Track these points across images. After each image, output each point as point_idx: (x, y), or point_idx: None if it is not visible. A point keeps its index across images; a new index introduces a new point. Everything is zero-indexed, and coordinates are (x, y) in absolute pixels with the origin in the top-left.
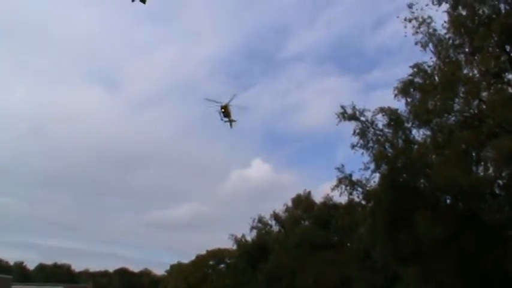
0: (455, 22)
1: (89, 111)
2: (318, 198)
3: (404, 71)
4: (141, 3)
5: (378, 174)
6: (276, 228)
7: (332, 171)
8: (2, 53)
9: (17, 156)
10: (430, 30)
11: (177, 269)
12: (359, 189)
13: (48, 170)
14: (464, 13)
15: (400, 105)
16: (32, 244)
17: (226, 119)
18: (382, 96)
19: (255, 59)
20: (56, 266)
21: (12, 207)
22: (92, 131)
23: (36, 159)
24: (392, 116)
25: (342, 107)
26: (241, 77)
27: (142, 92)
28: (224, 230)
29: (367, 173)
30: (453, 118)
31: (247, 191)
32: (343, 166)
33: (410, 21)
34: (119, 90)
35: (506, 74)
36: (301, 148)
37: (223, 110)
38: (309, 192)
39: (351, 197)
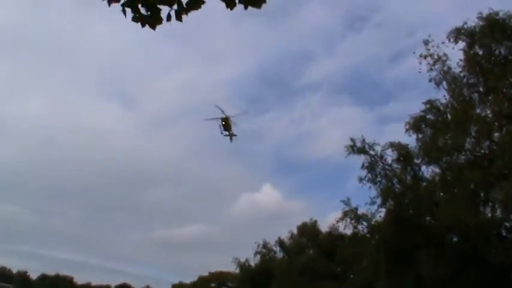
0: (471, 61)
1: (104, 126)
2: (323, 227)
3: (419, 106)
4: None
5: (383, 209)
6: (280, 254)
7: (339, 201)
8: (23, 65)
9: (31, 166)
10: (445, 68)
11: None
12: (364, 223)
13: (60, 181)
14: (480, 52)
15: (411, 140)
16: (37, 254)
17: (227, 133)
18: (396, 129)
19: (271, 84)
20: (58, 277)
21: (21, 216)
22: (107, 146)
23: (49, 170)
24: (402, 152)
25: (352, 139)
26: (256, 101)
27: (158, 111)
28: (228, 252)
29: (374, 207)
30: (463, 157)
31: (254, 215)
32: (349, 199)
33: (425, 57)
34: (136, 107)
35: None
36: (311, 176)
37: (223, 122)
38: (315, 221)
39: (355, 230)
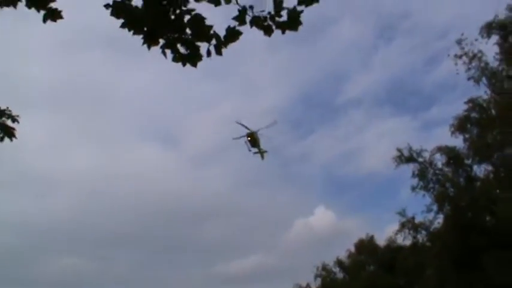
0: (507, 53)
1: (150, 167)
2: (381, 241)
3: (461, 107)
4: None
5: (441, 215)
6: (340, 275)
7: (394, 213)
8: (65, 118)
9: (82, 217)
10: (482, 64)
11: None
12: (423, 231)
13: (115, 228)
14: None
15: (457, 142)
16: None
17: (256, 150)
18: (442, 133)
19: (313, 105)
20: None
21: (82, 266)
22: (155, 188)
23: (101, 219)
24: (451, 154)
25: (399, 150)
26: (300, 125)
27: (202, 146)
28: (288, 279)
29: (431, 215)
30: None
31: (310, 238)
32: (404, 210)
33: (460, 57)
34: (179, 146)
35: None
36: (362, 192)
37: (249, 138)
38: (372, 236)
39: (414, 239)
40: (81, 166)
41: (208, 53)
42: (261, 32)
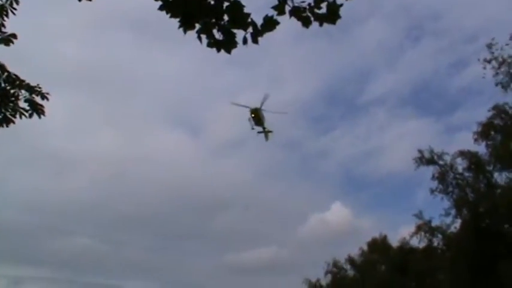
0: None
1: (170, 154)
2: (394, 242)
3: (486, 113)
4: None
5: (459, 220)
6: (351, 272)
7: (410, 214)
8: (91, 100)
9: (100, 199)
10: (511, 70)
11: None
12: (439, 235)
13: (129, 211)
14: None
15: (480, 148)
16: (111, 285)
17: (260, 129)
18: (465, 138)
19: (335, 102)
20: None
21: (93, 248)
22: (173, 174)
23: (118, 202)
24: (473, 159)
25: (420, 151)
26: (321, 121)
27: (223, 136)
28: (299, 273)
29: (448, 219)
30: None
31: (324, 234)
32: (421, 213)
33: (490, 61)
34: (201, 134)
35: None
36: (380, 191)
37: (253, 115)
38: (385, 236)
39: (430, 243)
40: (102, 148)
41: (245, 41)
42: (292, 22)
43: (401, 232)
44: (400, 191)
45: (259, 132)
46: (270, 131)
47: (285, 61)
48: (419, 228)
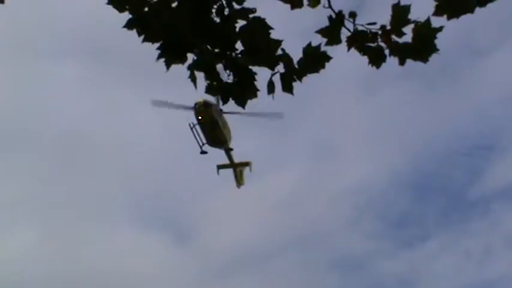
0: None
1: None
2: None
3: None
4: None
5: None
6: None
7: None
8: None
9: None
10: None
11: None
12: None
13: None
14: None
15: None
16: None
17: (205, 143)
18: None
19: (429, 194)
20: None
21: None
22: None
23: None
24: None
25: None
26: (406, 223)
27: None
28: None
29: None
30: None
31: None
32: None
33: None
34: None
35: None
36: None
37: (200, 117)
38: None
39: None
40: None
41: (271, 87)
42: (360, 58)
43: None
44: None
45: (202, 153)
46: (232, 148)
47: (343, 119)
48: None
